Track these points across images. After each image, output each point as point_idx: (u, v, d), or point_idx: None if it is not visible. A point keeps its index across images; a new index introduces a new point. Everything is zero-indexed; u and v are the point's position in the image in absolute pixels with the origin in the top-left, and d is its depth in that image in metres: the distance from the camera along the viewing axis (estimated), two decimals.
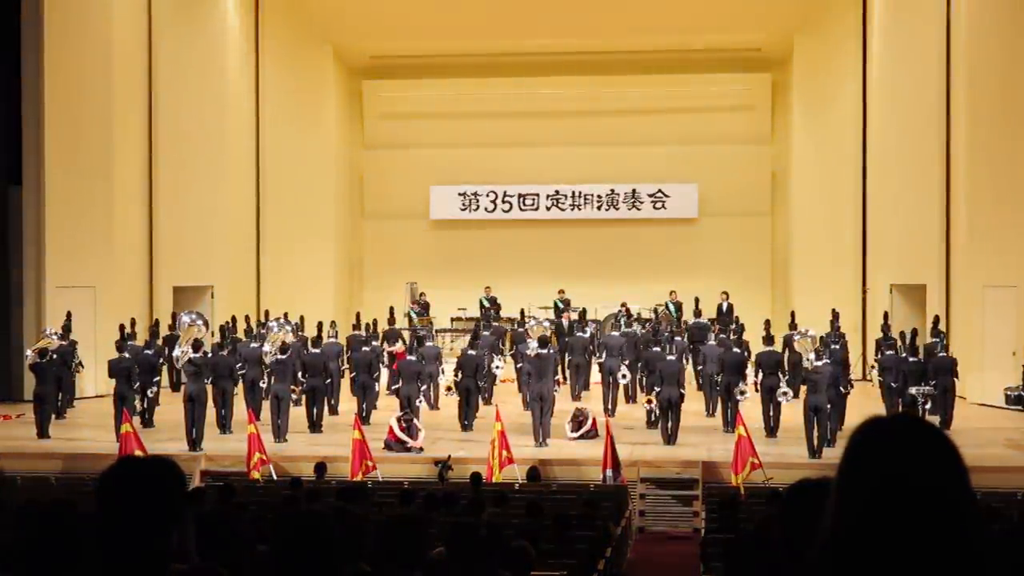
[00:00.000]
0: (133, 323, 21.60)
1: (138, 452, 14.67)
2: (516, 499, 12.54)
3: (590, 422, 17.55)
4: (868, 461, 1.88)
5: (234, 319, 23.16)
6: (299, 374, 18.42)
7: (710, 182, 29.01)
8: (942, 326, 21.40)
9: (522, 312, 24.63)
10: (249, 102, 27.29)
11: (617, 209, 29.41)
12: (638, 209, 29.33)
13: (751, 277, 28.63)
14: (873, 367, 20.68)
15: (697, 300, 24.01)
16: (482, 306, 26.30)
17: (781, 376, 17.58)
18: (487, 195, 29.62)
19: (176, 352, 18.62)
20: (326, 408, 19.10)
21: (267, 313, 24.17)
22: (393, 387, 18.34)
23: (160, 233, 24.83)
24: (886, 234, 24.81)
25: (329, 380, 19.37)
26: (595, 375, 21.71)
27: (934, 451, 1.88)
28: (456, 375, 18.79)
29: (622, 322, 22.85)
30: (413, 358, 18.40)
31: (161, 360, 19.79)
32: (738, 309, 24.44)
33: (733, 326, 22.00)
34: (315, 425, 18.28)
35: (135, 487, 2.61)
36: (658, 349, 18.68)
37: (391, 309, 23.90)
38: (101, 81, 22.86)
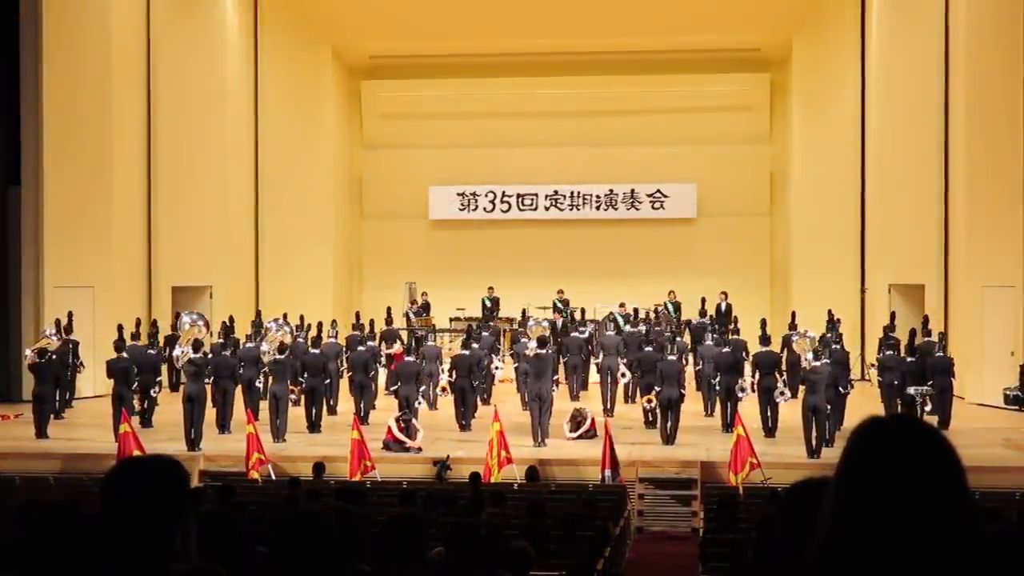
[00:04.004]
0: (138, 323, 21.56)
1: (137, 452, 14.66)
2: (515, 499, 12.55)
3: (589, 422, 17.54)
4: (867, 461, 1.89)
5: (231, 319, 23.12)
6: (298, 374, 18.42)
7: (709, 182, 29.03)
8: (942, 327, 21.41)
9: (524, 312, 24.63)
10: (248, 102, 27.30)
11: (616, 209, 29.42)
12: (637, 209, 29.34)
13: (750, 277, 28.65)
14: (873, 366, 20.68)
15: (703, 300, 24.11)
16: (484, 306, 26.35)
17: (779, 376, 17.57)
18: (486, 195, 29.63)
19: (176, 352, 18.61)
20: (325, 408, 19.09)
21: (259, 313, 24.17)
22: (392, 388, 18.33)
23: (159, 233, 24.82)
24: (885, 234, 24.82)
25: (328, 380, 19.35)
26: (594, 375, 21.70)
27: (933, 451, 1.88)
28: (450, 375, 18.79)
29: (621, 321, 22.83)
30: (412, 359, 18.39)
31: (162, 360, 19.77)
32: (737, 309, 24.44)
33: (731, 326, 21.97)
34: (314, 425, 18.27)
35: (139, 486, 2.62)
36: (650, 349, 18.66)
37: (388, 309, 23.89)
38: (100, 81, 22.84)
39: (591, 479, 15.09)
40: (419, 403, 17.90)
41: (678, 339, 20.46)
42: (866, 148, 25.85)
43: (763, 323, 19.68)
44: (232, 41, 26.34)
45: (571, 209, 29.56)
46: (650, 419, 18.14)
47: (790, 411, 17.52)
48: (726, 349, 18.48)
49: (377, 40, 28.83)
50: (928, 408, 17.28)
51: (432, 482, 14.85)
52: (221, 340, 20.45)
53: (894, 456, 1.87)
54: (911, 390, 17.24)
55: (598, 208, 29.50)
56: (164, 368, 21.00)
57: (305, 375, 18.33)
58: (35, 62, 22.00)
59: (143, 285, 24.50)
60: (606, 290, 26.98)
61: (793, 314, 22.89)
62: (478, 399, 19.28)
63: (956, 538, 1.83)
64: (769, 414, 17.59)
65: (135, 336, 20.31)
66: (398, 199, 29.79)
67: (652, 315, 24.77)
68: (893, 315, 22.55)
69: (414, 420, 16.79)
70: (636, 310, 24.15)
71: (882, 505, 1.84)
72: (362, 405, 18.71)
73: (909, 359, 17.99)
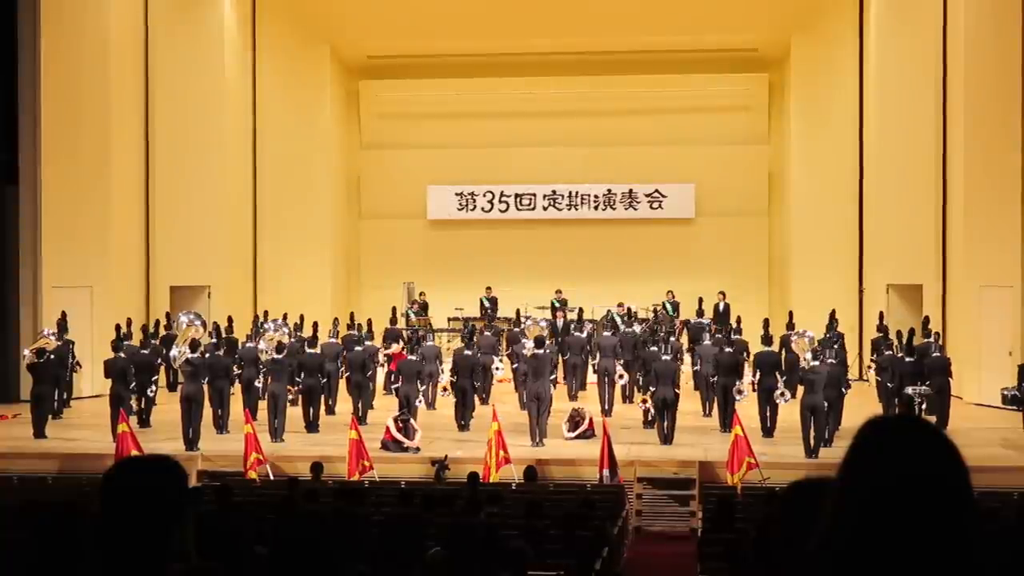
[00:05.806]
0: (129, 323, 21.58)
1: (135, 452, 14.65)
2: (513, 499, 12.55)
3: (587, 422, 17.54)
4: (871, 462, 1.89)
5: (230, 320, 23.12)
6: (294, 375, 18.41)
7: (707, 182, 29.03)
8: (939, 327, 21.41)
9: (518, 312, 24.66)
10: (246, 102, 27.28)
11: (614, 209, 29.42)
12: (635, 209, 29.35)
13: (748, 277, 28.66)
14: (870, 367, 20.69)
15: (701, 300, 24.13)
16: (482, 306, 26.35)
17: (779, 376, 17.56)
18: (484, 195, 29.62)
19: (173, 352, 18.59)
20: (323, 408, 19.08)
21: (266, 313, 24.17)
22: (393, 386, 18.30)
23: (157, 233, 24.82)
24: (883, 234, 24.83)
25: (326, 380, 19.34)
26: (592, 375, 21.70)
27: (938, 452, 1.89)
28: (452, 375, 18.79)
29: (619, 321, 22.83)
30: (413, 358, 18.38)
31: (159, 360, 19.76)
32: (735, 309, 24.46)
33: (734, 326, 21.96)
34: (312, 425, 18.27)
35: (138, 487, 2.62)
36: (655, 349, 18.68)
37: (393, 309, 23.92)
38: (98, 80, 22.83)
39: (589, 479, 15.10)
40: (419, 402, 17.90)
41: (672, 339, 20.43)
42: (864, 148, 25.86)
43: (766, 323, 19.70)
44: (230, 41, 26.32)
45: (569, 209, 29.57)
46: (649, 419, 18.14)
47: (789, 411, 17.53)
48: (728, 349, 18.48)
49: (375, 40, 28.83)
50: (925, 408, 17.28)
51: (430, 482, 14.85)
52: (213, 341, 20.43)
53: (899, 457, 1.88)
54: (909, 390, 17.24)
55: (596, 208, 29.50)
56: (162, 368, 20.96)
57: (302, 375, 18.32)
58: (33, 61, 21.98)
59: (141, 285, 24.50)
60: (604, 290, 26.97)
61: (790, 314, 22.89)
62: (476, 399, 19.28)
63: (958, 539, 1.83)
64: (769, 414, 17.60)
65: (127, 336, 20.29)
66: (396, 199, 29.78)
67: (650, 315, 24.81)
68: (882, 315, 22.60)
69: (412, 420, 16.80)
70: (630, 310, 24.16)
71: (885, 506, 1.84)
72: (360, 405, 18.70)
73: (908, 359, 17.97)
